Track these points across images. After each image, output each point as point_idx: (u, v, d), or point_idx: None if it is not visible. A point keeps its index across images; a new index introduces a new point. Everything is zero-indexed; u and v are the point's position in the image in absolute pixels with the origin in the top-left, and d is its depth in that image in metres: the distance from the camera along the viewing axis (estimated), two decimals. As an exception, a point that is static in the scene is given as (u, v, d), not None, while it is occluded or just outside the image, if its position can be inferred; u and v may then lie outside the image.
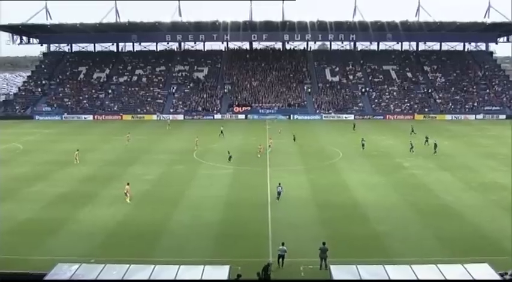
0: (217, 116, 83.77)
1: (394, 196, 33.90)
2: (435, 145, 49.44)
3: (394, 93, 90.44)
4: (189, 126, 72.64)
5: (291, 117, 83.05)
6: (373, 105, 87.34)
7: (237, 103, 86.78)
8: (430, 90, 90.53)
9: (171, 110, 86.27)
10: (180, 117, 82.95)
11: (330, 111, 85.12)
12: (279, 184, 33.09)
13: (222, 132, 61.17)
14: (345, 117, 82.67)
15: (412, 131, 61.27)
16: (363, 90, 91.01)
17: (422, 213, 29.75)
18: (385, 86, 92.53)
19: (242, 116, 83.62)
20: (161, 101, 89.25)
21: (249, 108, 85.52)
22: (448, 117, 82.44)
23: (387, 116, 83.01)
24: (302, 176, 39.72)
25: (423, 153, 48.86)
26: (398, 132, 63.43)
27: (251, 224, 28.07)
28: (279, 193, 32.32)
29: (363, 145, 49.92)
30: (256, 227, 27.64)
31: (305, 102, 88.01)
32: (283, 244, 22.69)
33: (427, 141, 52.74)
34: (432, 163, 44.35)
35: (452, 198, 32.90)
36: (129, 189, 32.70)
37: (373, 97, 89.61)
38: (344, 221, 28.67)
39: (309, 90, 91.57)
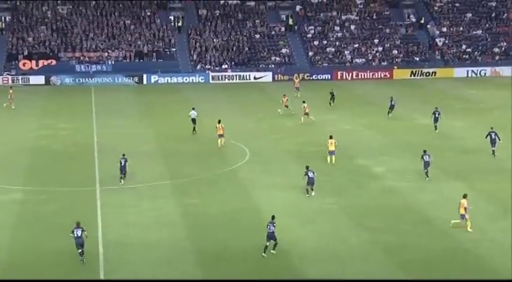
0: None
1: (345, 227, 35.34)
2: None
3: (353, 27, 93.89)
4: None
5: (144, 81, 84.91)
6: (306, 46, 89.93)
7: (26, 53, 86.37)
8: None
9: None
10: None
11: (225, 67, 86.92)
12: (307, 168, 40.19)
13: (193, 121, 56.49)
14: (255, 78, 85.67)
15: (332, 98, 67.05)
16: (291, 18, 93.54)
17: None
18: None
19: (38, 79, 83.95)
20: None
21: (52, 62, 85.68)
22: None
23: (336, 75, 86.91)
24: (170, 200, 40.07)
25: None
26: (369, 105, 65.20)
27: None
28: (311, 180, 39.97)
29: None
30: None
31: (173, 49, 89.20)
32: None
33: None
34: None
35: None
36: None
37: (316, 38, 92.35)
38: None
39: (179, 23, 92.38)
